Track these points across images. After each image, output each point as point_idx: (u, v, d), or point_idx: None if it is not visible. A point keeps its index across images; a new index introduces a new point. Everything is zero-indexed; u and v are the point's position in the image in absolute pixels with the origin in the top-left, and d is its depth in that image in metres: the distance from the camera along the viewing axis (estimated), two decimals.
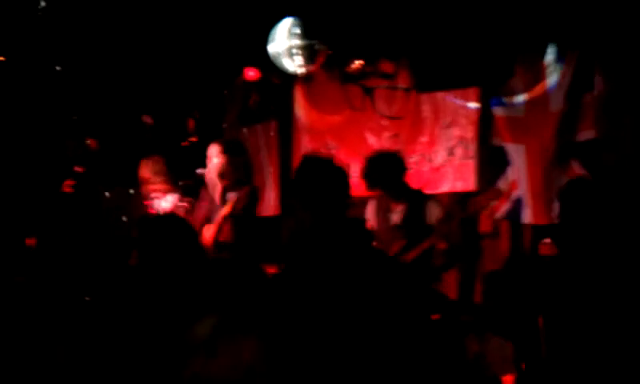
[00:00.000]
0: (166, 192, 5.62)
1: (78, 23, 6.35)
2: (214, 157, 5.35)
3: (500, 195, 5.73)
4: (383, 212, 5.11)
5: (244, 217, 5.14)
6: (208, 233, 5.17)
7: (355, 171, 6.86)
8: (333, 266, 2.93)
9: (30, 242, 6.20)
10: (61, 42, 6.55)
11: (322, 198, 3.08)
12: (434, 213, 4.89)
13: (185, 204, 5.51)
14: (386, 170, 4.98)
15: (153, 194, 5.65)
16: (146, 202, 5.68)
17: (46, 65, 6.78)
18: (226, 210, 5.07)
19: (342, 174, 3.16)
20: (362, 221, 3.48)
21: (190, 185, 5.61)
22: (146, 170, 5.66)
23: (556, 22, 5.47)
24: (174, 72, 7.14)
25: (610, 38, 5.22)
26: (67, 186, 5.93)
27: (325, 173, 3.13)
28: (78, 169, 6.04)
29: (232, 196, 5.33)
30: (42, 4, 5.86)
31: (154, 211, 5.63)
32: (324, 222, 3.02)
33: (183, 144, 7.36)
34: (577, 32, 5.43)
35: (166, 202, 5.62)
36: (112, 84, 7.17)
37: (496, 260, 6.11)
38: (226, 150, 5.34)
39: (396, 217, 4.97)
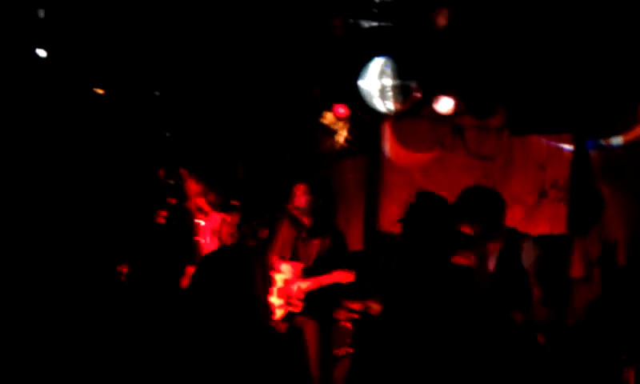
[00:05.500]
0: (213, 208, 5.82)
1: (176, 59, 6.58)
2: (300, 195, 5.40)
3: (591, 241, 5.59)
4: (479, 256, 4.95)
5: None
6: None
7: None
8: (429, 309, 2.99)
9: (122, 269, 6.36)
10: (158, 75, 6.80)
11: (431, 239, 3.17)
12: (530, 255, 4.72)
13: (229, 219, 5.63)
14: (485, 203, 4.77)
15: (202, 209, 5.85)
16: (196, 217, 5.89)
17: (142, 95, 7.04)
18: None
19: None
20: (468, 270, 3.49)
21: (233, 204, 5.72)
22: (195, 185, 5.86)
23: None
24: (267, 107, 7.28)
25: None
26: (161, 216, 6.08)
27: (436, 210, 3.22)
28: (171, 200, 6.17)
29: (315, 243, 5.38)
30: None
31: (201, 226, 5.84)
32: (429, 268, 3.14)
33: (276, 176, 7.48)
34: None
35: (212, 219, 5.82)
36: (208, 118, 7.37)
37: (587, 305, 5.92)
38: (311, 192, 5.39)
39: (491, 261, 4.81)
